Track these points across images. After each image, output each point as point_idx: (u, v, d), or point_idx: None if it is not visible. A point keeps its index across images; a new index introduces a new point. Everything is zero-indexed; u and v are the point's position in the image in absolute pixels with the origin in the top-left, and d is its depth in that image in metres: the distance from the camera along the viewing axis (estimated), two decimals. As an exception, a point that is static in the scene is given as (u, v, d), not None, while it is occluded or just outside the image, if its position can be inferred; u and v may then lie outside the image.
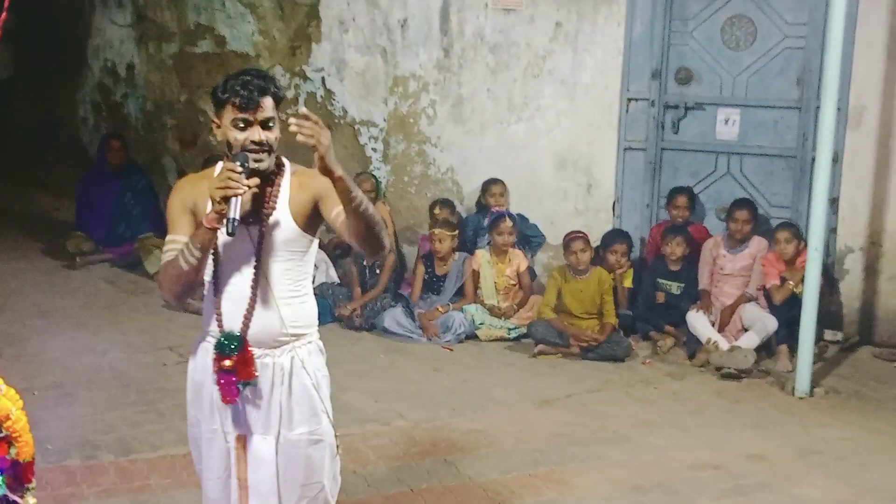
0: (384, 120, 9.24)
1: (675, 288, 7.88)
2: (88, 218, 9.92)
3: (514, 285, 8.10)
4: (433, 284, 8.17)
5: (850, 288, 7.85)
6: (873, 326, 7.81)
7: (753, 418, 6.35)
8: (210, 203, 3.24)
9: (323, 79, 9.46)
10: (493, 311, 7.94)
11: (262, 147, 3.26)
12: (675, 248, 7.82)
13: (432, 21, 8.86)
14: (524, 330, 7.73)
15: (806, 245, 6.96)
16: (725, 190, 8.22)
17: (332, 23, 9.31)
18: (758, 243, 7.73)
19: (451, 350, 7.56)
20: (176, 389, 6.47)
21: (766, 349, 7.43)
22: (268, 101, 3.26)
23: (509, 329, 7.83)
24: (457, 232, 8.18)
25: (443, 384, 6.82)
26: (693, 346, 7.46)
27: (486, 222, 8.34)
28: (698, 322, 7.51)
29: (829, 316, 7.64)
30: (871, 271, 7.78)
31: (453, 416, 6.19)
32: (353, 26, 9.22)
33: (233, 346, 3.31)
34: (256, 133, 3.24)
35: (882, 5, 7.46)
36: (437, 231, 8.09)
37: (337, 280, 8.43)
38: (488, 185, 8.57)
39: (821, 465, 5.62)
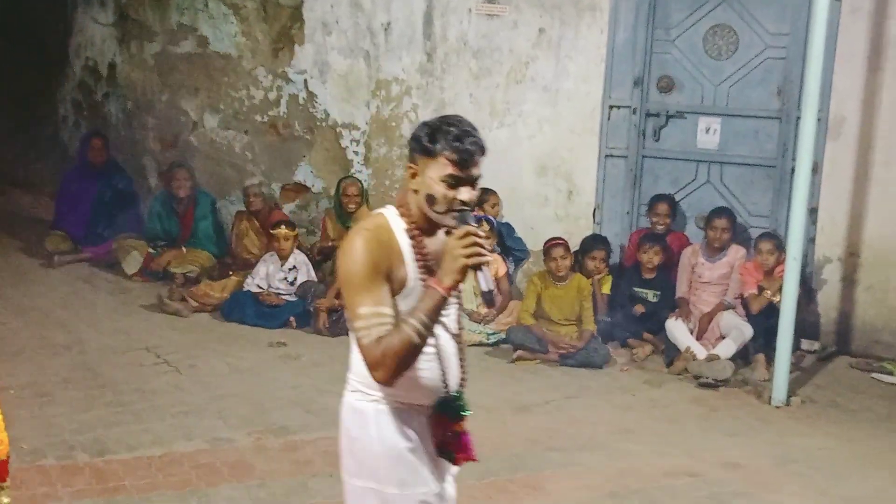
0: (366, 123, 9.24)
1: (651, 295, 7.89)
2: (68, 216, 9.90)
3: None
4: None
5: (828, 298, 7.89)
6: (850, 336, 7.85)
7: (730, 427, 6.37)
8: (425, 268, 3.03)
9: (305, 81, 9.45)
10: (472, 316, 7.93)
11: (468, 206, 2.98)
12: (653, 257, 7.84)
13: (416, 25, 8.86)
14: (503, 335, 7.73)
15: (784, 254, 6.99)
16: (705, 198, 8.25)
17: (316, 25, 9.30)
18: (736, 252, 7.76)
19: (430, 354, 7.53)
20: (153, 391, 6.47)
21: (743, 358, 7.45)
22: (480, 158, 3.01)
23: (488, 334, 7.83)
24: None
25: (421, 388, 6.81)
26: (671, 353, 7.48)
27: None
28: (677, 330, 7.53)
29: (806, 325, 7.68)
30: (848, 282, 7.82)
31: (431, 421, 6.18)
32: (337, 29, 9.21)
33: (466, 408, 3.15)
34: (467, 193, 2.97)
35: (863, 16, 7.50)
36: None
37: (316, 280, 8.43)
38: (482, 194, 8.50)
39: (797, 474, 5.64)
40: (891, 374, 7.40)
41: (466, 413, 3.14)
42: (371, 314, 2.90)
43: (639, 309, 7.87)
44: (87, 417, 5.95)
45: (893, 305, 7.72)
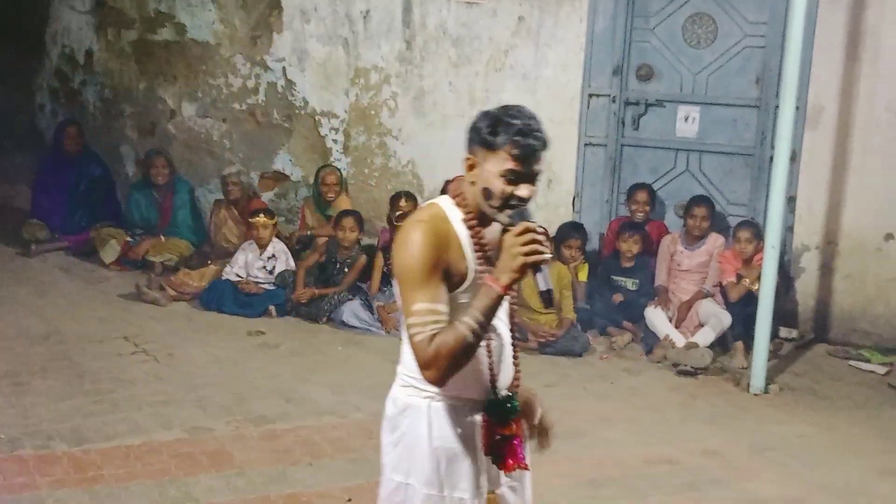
0: (345, 111, 9.21)
1: (630, 284, 7.91)
2: (44, 205, 9.84)
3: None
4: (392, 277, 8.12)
5: (806, 286, 7.92)
6: (828, 324, 7.89)
7: (709, 414, 6.40)
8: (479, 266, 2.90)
9: (284, 69, 9.41)
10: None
11: (525, 202, 2.86)
12: (632, 246, 7.85)
13: (395, 13, 8.83)
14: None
15: (763, 243, 7.02)
16: (684, 187, 8.27)
17: (294, 12, 9.26)
18: (714, 240, 7.78)
19: (410, 343, 7.52)
20: (131, 380, 6.44)
21: (721, 346, 7.47)
22: (543, 154, 2.88)
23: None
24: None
25: (400, 377, 6.80)
26: (650, 342, 7.50)
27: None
28: (656, 318, 7.55)
29: (784, 313, 7.71)
30: (826, 270, 7.86)
31: (411, 410, 6.17)
32: (315, 16, 9.17)
33: (517, 409, 3.03)
34: (526, 189, 2.84)
35: (841, 7, 7.52)
36: None
37: (294, 268, 8.40)
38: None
39: (775, 461, 5.67)
40: (868, 361, 7.44)
41: (515, 415, 3.01)
42: (426, 311, 2.79)
43: (618, 297, 7.88)
44: (65, 407, 5.92)
45: (871, 293, 7.76)
